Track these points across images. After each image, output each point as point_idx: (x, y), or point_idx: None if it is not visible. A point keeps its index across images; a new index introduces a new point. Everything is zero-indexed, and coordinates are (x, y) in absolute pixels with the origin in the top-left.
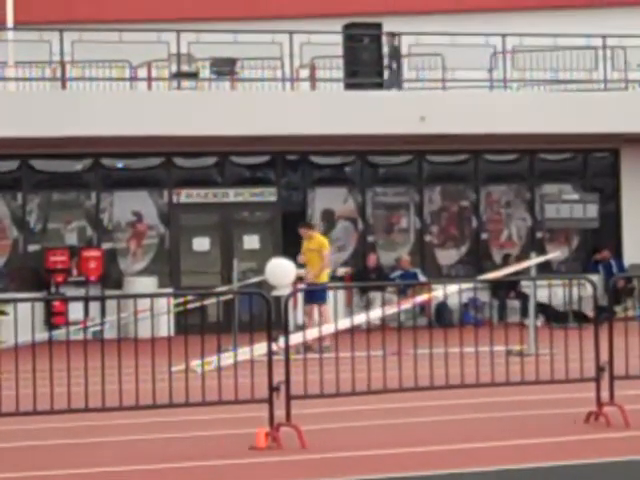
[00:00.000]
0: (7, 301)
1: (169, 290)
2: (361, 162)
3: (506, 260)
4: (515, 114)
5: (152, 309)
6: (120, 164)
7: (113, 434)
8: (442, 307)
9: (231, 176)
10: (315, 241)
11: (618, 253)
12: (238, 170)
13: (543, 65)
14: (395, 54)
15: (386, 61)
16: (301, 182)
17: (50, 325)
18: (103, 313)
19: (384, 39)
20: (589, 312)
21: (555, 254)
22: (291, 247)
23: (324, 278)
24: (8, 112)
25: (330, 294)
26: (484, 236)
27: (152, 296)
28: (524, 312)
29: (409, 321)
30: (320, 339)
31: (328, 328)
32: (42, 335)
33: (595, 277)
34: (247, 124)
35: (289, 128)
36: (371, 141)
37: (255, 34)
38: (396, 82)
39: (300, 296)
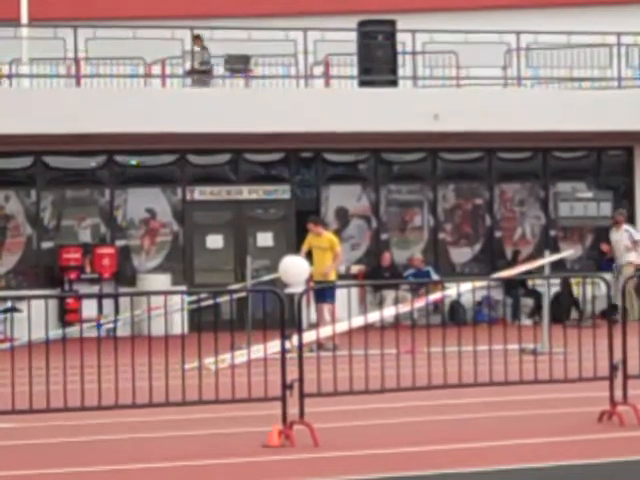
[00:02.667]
0: (21, 298)
1: (183, 287)
2: (375, 160)
3: (515, 257)
4: (529, 112)
5: (165, 306)
6: (134, 161)
7: (126, 432)
8: (456, 305)
9: (245, 173)
10: (324, 239)
11: None
12: (252, 167)
13: (557, 63)
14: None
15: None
16: (315, 179)
17: (64, 322)
18: (117, 310)
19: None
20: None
21: (569, 252)
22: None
23: (333, 277)
24: (22, 109)
25: (342, 292)
26: (498, 234)
27: (166, 293)
28: (536, 310)
29: (423, 319)
30: (333, 337)
31: (341, 326)
32: (56, 332)
33: (608, 276)
34: (261, 121)
35: (303, 125)
36: (385, 138)
37: (269, 31)
38: (207, 82)
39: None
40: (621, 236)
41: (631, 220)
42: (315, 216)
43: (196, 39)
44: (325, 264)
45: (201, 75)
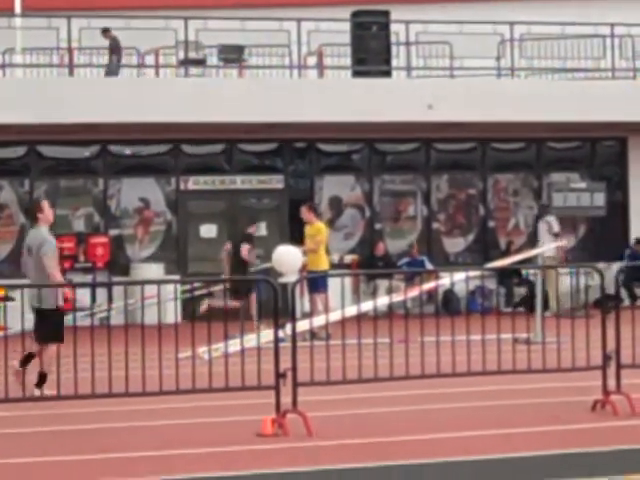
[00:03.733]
0: (14, 287)
1: (176, 277)
2: (369, 150)
3: (509, 247)
4: (523, 102)
5: (159, 296)
6: (127, 151)
7: (120, 420)
8: (449, 295)
9: (238, 163)
10: (314, 227)
11: (625, 241)
12: (245, 157)
13: (551, 53)
14: (116, 46)
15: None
16: (308, 169)
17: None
18: (110, 299)
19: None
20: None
21: (562, 242)
22: (298, 234)
23: (323, 265)
24: (16, 99)
25: (335, 282)
26: (491, 224)
27: (159, 282)
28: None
29: (416, 309)
30: (326, 326)
31: (334, 316)
32: None
33: (619, 264)
34: (255, 111)
35: (297, 115)
36: (379, 129)
37: (263, 21)
38: (116, 71)
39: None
40: (542, 227)
41: (624, 210)
42: (311, 202)
43: (105, 32)
44: (316, 253)
45: (110, 65)
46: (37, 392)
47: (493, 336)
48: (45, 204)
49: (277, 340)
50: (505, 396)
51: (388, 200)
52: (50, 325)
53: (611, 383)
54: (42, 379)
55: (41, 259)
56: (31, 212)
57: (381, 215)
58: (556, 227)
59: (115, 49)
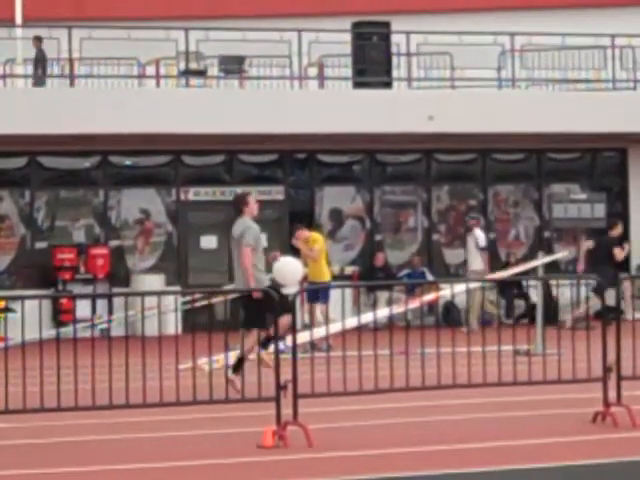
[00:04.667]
0: (15, 298)
1: (176, 288)
2: (369, 161)
3: (509, 259)
4: (523, 113)
5: (159, 307)
6: (128, 162)
7: (119, 432)
8: (450, 306)
9: (239, 174)
10: (310, 239)
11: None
12: (246, 168)
13: (551, 64)
14: (42, 57)
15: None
16: (309, 181)
17: (57, 322)
18: (110, 311)
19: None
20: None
21: (563, 254)
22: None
23: (325, 277)
24: (16, 109)
25: (336, 293)
26: (491, 235)
27: (159, 294)
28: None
29: (416, 320)
30: (327, 338)
31: (335, 327)
32: (49, 332)
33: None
34: (255, 122)
35: (297, 126)
36: (379, 140)
37: (263, 32)
38: (42, 83)
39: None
40: (470, 242)
41: (625, 221)
42: (297, 224)
43: (35, 40)
44: (317, 263)
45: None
46: (231, 376)
47: (494, 348)
48: (251, 198)
49: (277, 351)
50: (505, 408)
51: (389, 211)
52: (251, 310)
53: (612, 395)
54: (239, 364)
55: (241, 247)
56: (237, 204)
57: (382, 226)
58: (482, 242)
59: (41, 60)
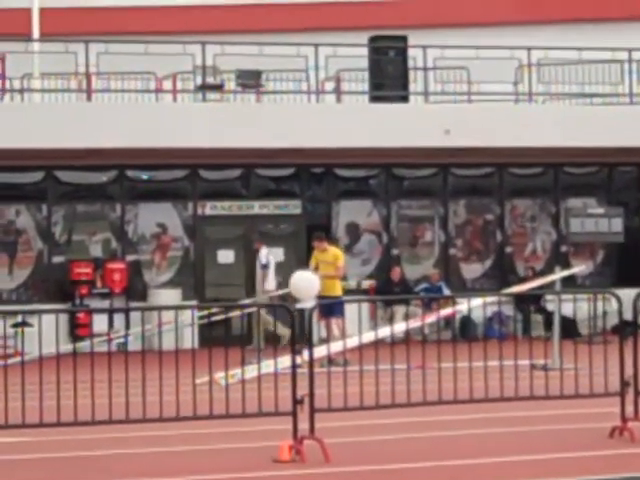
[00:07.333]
0: (31, 313)
1: (193, 302)
2: (386, 175)
3: (528, 273)
4: (540, 128)
5: (176, 321)
6: (145, 176)
7: (136, 446)
8: (466, 321)
9: (256, 188)
10: (329, 254)
11: None
12: (263, 182)
13: (568, 78)
14: None
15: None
16: (326, 195)
17: (74, 337)
18: (127, 325)
19: None
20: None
21: (580, 268)
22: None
23: (338, 291)
24: (34, 123)
25: (352, 307)
26: (508, 250)
27: (176, 308)
28: (547, 327)
29: (433, 334)
30: (344, 352)
31: (351, 342)
32: (66, 347)
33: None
34: (272, 136)
35: (314, 141)
36: (396, 154)
37: (280, 46)
38: None
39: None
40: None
41: None
42: (319, 232)
43: None
44: (332, 278)
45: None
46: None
47: (511, 362)
48: None
49: (294, 366)
50: (523, 422)
51: (405, 225)
52: None
53: (629, 410)
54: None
55: None
56: None
57: (398, 240)
58: (264, 259)
59: None
